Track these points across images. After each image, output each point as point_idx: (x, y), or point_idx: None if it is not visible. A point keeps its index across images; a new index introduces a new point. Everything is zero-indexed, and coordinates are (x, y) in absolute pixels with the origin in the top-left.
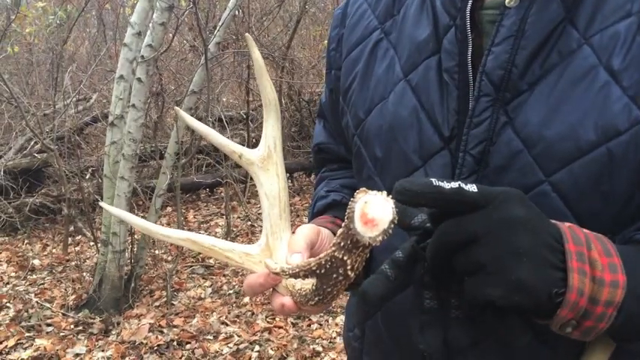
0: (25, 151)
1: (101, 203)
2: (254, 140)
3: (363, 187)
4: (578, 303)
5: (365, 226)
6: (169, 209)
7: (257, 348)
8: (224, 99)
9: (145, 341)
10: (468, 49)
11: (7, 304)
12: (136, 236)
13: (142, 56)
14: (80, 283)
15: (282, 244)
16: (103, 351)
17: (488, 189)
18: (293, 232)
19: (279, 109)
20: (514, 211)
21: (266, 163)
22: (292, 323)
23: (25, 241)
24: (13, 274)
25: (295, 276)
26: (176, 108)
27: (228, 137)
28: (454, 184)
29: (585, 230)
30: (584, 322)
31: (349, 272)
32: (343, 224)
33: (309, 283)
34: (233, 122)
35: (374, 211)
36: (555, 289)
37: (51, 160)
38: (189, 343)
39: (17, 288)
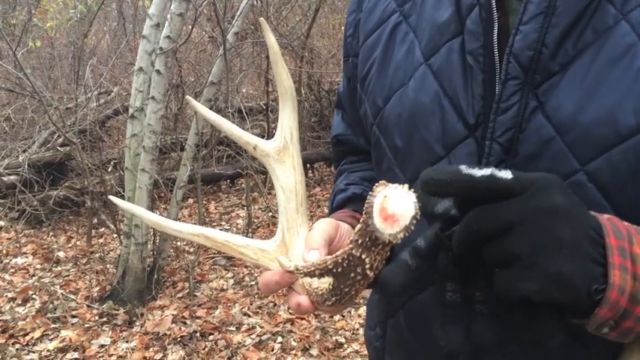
0: (48, 145)
1: (111, 197)
2: (273, 131)
3: (382, 179)
4: (618, 302)
5: (385, 222)
6: (191, 201)
7: (279, 339)
8: (244, 90)
9: (168, 332)
10: (493, 29)
11: (33, 296)
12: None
13: (161, 48)
14: (104, 275)
15: (299, 239)
16: (127, 342)
17: (525, 175)
18: (311, 228)
19: (295, 98)
20: (553, 198)
21: (282, 154)
22: (314, 314)
23: (50, 234)
24: (38, 266)
25: (310, 275)
26: (188, 97)
27: (247, 129)
28: (486, 171)
29: (626, 223)
30: (623, 322)
31: (368, 271)
32: (361, 220)
33: (325, 282)
34: (253, 113)
35: (394, 205)
36: (595, 285)
37: (73, 153)
38: (212, 334)
39: (43, 280)
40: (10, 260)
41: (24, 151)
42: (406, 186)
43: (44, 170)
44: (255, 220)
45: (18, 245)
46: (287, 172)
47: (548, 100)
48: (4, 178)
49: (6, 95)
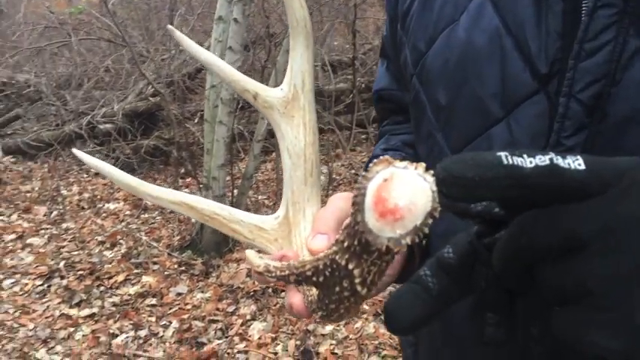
0: (142, 95)
1: (74, 150)
2: (362, 86)
3: (422, 147)
4: None
5: (381, 220)
6: (274, 155)
7: None
8: (335, 43)
9: (242, 286)
10: None
11: (120, 241)
12: (236, 182)
13: None
14: (185, 225)
15: (306, 219)
16: (202, 292)
17: (606, 164)
18: (323, 204)
19: (310, 33)
20: None
21: (290, 107)
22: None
23: None
24: (127, 212)
25: (284, 280)
26: (169, 27)
27: (334, 84)
28: (542, 159)
29: None
30: None
31: (358, 287)
32: (350, 213)
33: (313, 289)
34: (342, 67)
35: (398, 195)
36: None
37: (163, 103)
38: (284, 291)
39: (130, 226)
40: (104, 205)
41: (121, 101)
42: (421, 165)
43: (137, 120)
44: (337, 177)
45: (111, 191)
46: (295, 131)
47: None
48: (101, 127)
49: (107, 46)
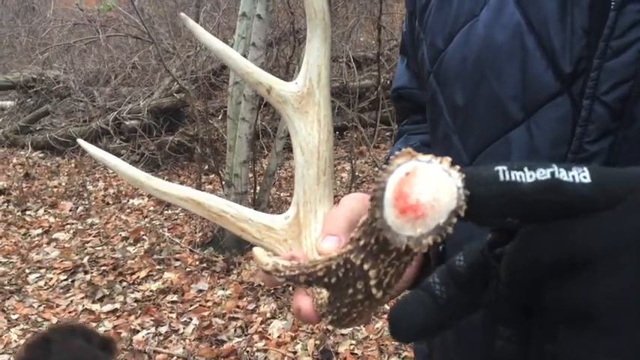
0: (167, 91)
1: (79, 140)
2: (387, 82)
3: (438, 150)
4: None
5: (402, 217)
6: None
7: None
8: (361, 38)
9: (262, 283)
10: None
11: (144, 237)
12: (258, 179)
13: None
14: (207, 222)
15: (317, 220)
16: (223, 289)
17: (617, 176)
18: (336, 204)
19: (328, 26)
20: None
21: (304, 102)
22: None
23: (165, 178)
24: (151, 208)
25: (294, 281)
26: (182, 15)
27: (358, 80)
28: (543, 173)
29: None
30: None
31: (374, 290)
32: (368, 208)
33: (324, 292)
34: (367, 63)
35: (421, 190)
36: None
37: (187, 100)
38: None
39: (153, 222)
40: (128, 201)
41: (148, 97)
42: (447, 160)
43: (162, 116)
44: (360, 175)
45: (136, 187)
46: (309, 127)
47: None
48: (127, 123)
49: (134, 43)
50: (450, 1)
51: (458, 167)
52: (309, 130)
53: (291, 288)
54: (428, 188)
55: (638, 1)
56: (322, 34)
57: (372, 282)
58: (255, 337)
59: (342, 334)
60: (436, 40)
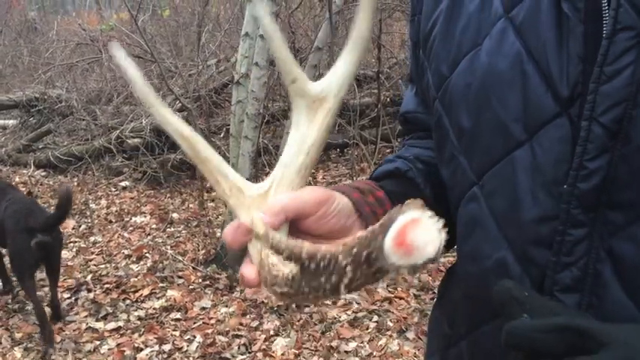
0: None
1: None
2: (387, 99)
3: (444, 169)
4: None
5: (396, 247)
6: None
7: (375, 318)
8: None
9: (265, 301)
10: None
11: (147, 254)
12: None
13: None
14: (210, 239)
15: None
16: (226, 307)
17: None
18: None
19: (365, 51)
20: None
21: (317, 104)
22: (414, 295)
23: (167, 195)
24: (154, 226)
25: (278, 251)
26: (112, 45)
27: (359, 98)
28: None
29: None
30: None
31: (341, 286)
32: (370, 229)
33: (288, 268)
34: (367, 81)
35: (418, 235)
36: None
37: (189, 118)
38: (308, 306)
39: (156, 239)
40: (131, 218)
41: (149, 116)
42: (442, 222)
43: (164, 134)
44: None
45: (138, 205)
46: (311, 126)
47: None
48: (129, 141)
49: (136, 62)
50: (453, 32)
51: (447, 229)
52: (312, 128)
53: (294, 305)
54: (422, 237)
55: (627, 30)
56: (357, 56)
57: (345, 280)
58: (259, 354)
59: (346, 352)
60: (441, 68)
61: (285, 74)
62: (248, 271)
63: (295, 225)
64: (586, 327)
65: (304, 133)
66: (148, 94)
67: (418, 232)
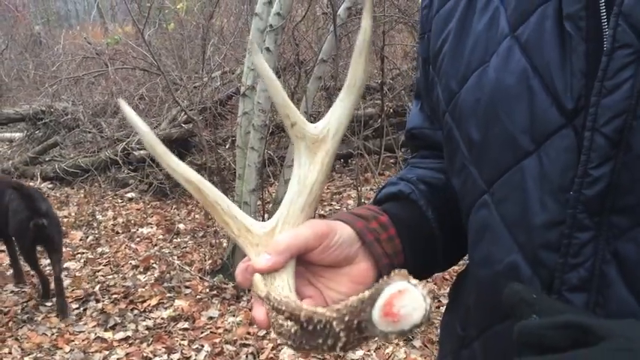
0: (175, 122)
1: (119, 101)
2: (390, 110)
3: (455, 179)
4: None
5: (383, 318)
6: None
7: None
8: None
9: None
10: None
11: (154, 265)
12: (266, 206)
13: (271, 25)
14: (217, 249)
15: None
16: (234, 316)
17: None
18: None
19: (360, 96)
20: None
21: (317, 145)
22: None
23: (173, 206)
24: (160, 237)
25: (278, 312)
26: (120, 101)
27: (362, 109)
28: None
29: None
30: None
31: (338, 347)
32: (358, 297)
33: (291, 324)
34: (370, 92)
35: (404, 305)
36: None
37: (195, 130)
38: None
39: (163, 250)
40: (137, 229)
41: (155, 128)
42: (426, 289)
43: (170, 146)
44: (366, 202)
45: (145, 216)
46: (313, 166)
47: None
48: (136, 153)
49: (142, 75)
50: (462, 49)
51: (431, 295)
52: (312, 168)
53: None
54: (409, 305)
55: (625, 47)
56: (353, 100)
57: (340, 344)
58: None
59: None
60: (450, 83)
61: (285, 118)
62: (258, 313)
63: (301, 257)
64: (588, 323)
65: (305, 172)
66: (155, 145)
67: (405, 301)
